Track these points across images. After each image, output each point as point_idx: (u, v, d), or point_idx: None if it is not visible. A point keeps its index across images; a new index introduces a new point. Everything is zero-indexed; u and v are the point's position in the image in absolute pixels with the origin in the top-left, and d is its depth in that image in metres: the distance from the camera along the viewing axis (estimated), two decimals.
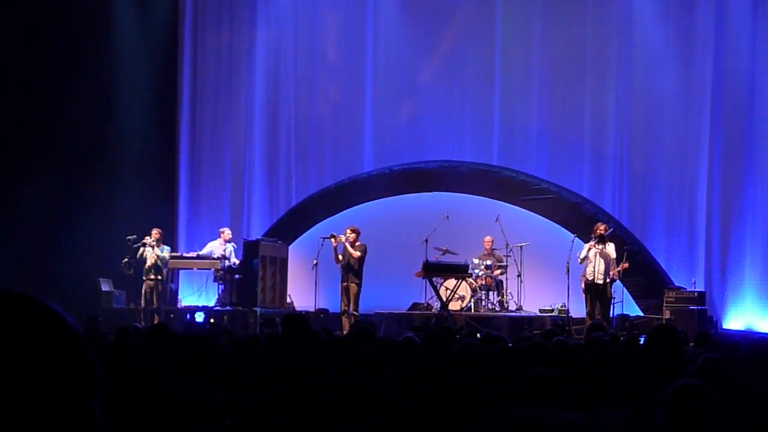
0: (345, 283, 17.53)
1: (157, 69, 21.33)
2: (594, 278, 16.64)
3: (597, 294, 16.68)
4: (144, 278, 18.11)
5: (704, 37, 19.70)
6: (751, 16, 19.29)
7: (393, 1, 21.40)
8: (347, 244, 17.54)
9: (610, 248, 16.85)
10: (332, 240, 17.66)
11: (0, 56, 19.17)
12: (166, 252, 18.38)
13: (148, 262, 18.06)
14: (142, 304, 18.04)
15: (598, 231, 16.88)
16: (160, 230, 18.44)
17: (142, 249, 18.06)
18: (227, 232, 19.31)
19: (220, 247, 19.04)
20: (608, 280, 16.71)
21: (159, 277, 18.12)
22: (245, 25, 21.83)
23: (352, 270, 17.53)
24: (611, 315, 17.07)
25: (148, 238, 18.11)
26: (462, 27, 21.05)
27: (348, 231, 17.76)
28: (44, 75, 19.79)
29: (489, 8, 20.86)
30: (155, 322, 16.57)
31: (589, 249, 16.75)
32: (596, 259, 16.67)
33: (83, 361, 1.59)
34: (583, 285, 17.00)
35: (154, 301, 18.05)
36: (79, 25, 19.93)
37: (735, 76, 19.38)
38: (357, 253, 17.48)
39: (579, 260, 16.89)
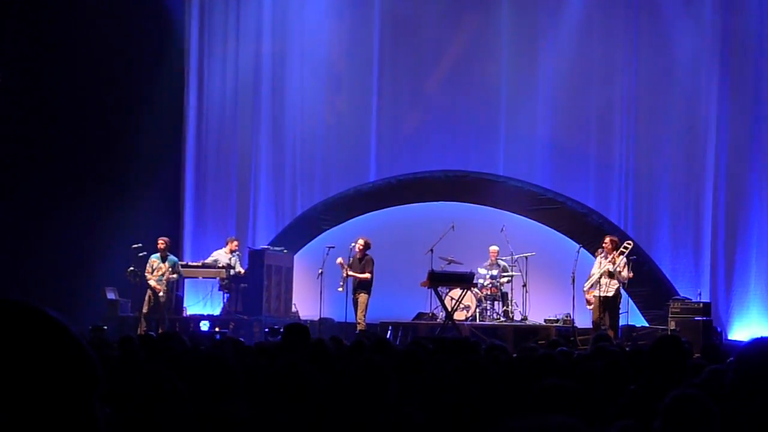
0: (354, 295, 17.64)
1: (163, 78, 21.37)
2: (603, 292, 16.55)
3: (606, 306, 16.59)
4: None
5: (711, 48, 19.70)
6: (758, 29, 19.29)
7: (398, 11, 21.41)
8: (348, 272, 17.60)
9: (618, 261, 16.71)
10: (342, 265, 17.76)
11: (8, 69, 19.26)
12: (178, 266, 18.37)
13: (157, 272, 18.06)
14: (145, 311, 18.02)
15: (604, 245, 16.83)
16: (165, 239, 18.33)
17: (153, 260, 18.08)
18: (234, 242, 19.30)
19: (226, 256, 19.06)
20: (616, 293, 16.59)
21: (163, 287, 18.13)
22: (251, 35, 21.86)
23: (361, 284, 17.67)
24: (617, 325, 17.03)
25: (157, 261, 18.11)
26: (468, 37, 21.06)
27: (360, 241, 17.81)
28: (55, 85, 19.87)
29: (495, 18, 20.87)
30: (160, 331, 16.57)
31: (599, 265, 16.69)
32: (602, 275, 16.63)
33: (84, 365, 1.61)
34: (590, 297, 16.94)
35: (159, 310, 18.05)
36: (89, 33, 19.97)
37: (741, 88, 19.38)
38: (367, 275, 17.63)
39: (591, 282, 16.81)
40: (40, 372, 1.56)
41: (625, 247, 16.91)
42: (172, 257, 18.34)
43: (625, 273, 16.64)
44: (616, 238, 17.09)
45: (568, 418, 1.51)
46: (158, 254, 18.10)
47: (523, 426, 1.53)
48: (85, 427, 1.59)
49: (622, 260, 16.70)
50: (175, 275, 18.29)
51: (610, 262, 16.57)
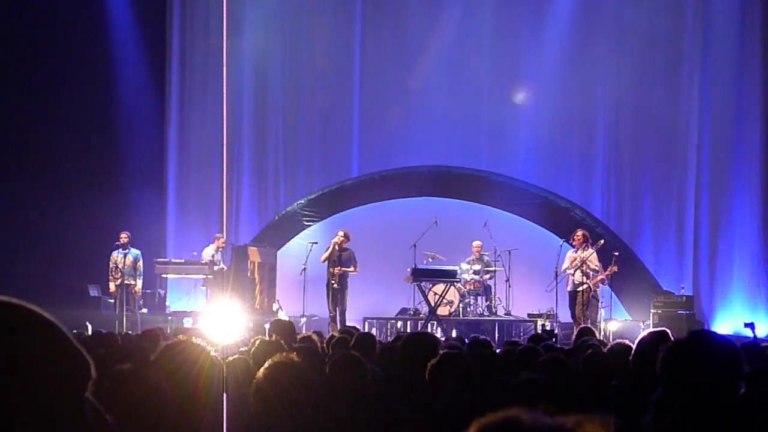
0: (336, 286, 17.52)
1: (145, 75, 21.30)
2: (572, 288, 16.64)
3: (574, 299, 16.68)
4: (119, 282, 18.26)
5: (692, 43, 19.77)
6: (738, 24, 19.34)
7: (380, 6, 21.40)
8: (344, 269, 17.54)
9: (585, 255, 16.71)
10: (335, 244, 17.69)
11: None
12: (140, 260, 18.44)
13: (119, 266, 18.22)
14: (117, 310, 18.15)
15: (575, 238, 16.88)
16: (127, 233, 18.41)
17: (115, 256, 18.21)
18: (221, 240, 19.28)
19: (212, 252, 19.05)
20: (584, 287, 16.57)
21: (131, 282, 18.24)
22: (233, 31, 21.78)
23: (347, 277, 17.64)
24: (598, 319, 17.08)
25: (120, 257, 18.22)
26: (450, 32, 21.05)
27: (341, 233, 17.74)
28: (38, 80, 19.79)
29: (477, 13, 20.89)
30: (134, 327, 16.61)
31: (572, 261, 16.74)
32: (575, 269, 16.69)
33: (76, 364, 1.62)
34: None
35: (131, 306, 18.16)
36: (70, 30, 19.91)
37: (722, 82, 19.44)
38: (358, 270, 17.62)
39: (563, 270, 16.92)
40: (32, 370, 1.55)
41: (599, 244, 16.98)
42: (134, 251, 18.39)
43: (593, 264, 16.66)
44: (586, 232, 17.10)
45: (526, 412, 1.51)
46: (119, 250, 18.19)
47: (486, 423, 1.53)
48: (78, 424, 1.59)
49: (590, 253, 16.68)
50: (139, 278, 18.43)
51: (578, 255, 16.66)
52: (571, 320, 17.13)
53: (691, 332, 3.55)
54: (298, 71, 21.69)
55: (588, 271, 16.59)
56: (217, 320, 17.04)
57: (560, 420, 1.48)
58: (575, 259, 16.67)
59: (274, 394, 4.02)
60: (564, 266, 16.85)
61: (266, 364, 4.21)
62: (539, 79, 20.54)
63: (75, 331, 10.63)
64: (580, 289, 16.54)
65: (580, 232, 16.99)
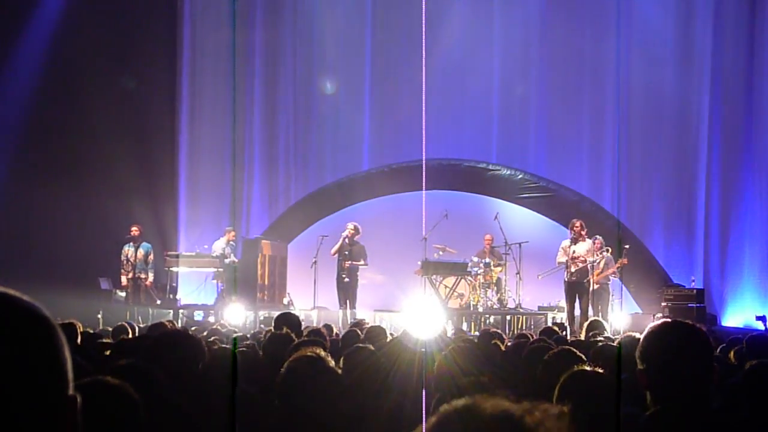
0: (346, 280, 17.59)
1: (156, 69, 21.32)
2: (568, 278, 16.53)
3: (578, 292, 16.57)
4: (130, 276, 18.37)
5: (702, 33, 19.72)
6: (749, 13, 19.29)
7: None
8: (354, 263, 17.62)
9: (581, 247, 16.60)
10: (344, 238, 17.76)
11: (6, 59, 19.26)
12: (151, 253, 18.54)
13: (131, 260, 18.32)
14: (128, 303, 18.24)
15: (574, 229, 16.74)
16: (139, 226, 18.53)
17: (126, 250, 18.31)
18: (232, 233, 19.31)
19: (222, 246, 19.08)
20: (585, 279, 16.48)
21: (142, 275, 18.35)
22: (244, 24, 21.81)
23: (357, 270, 17.67)
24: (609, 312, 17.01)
25: (130, 251, 18.31)
26: (460, 24, 21.04)
27: (350, 225, 17.80)
28: (47, 75, 19.83)
29: (487, 5, 20.87)
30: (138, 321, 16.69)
31: (565, 252, 16.62)
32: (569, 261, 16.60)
33: (48, 357, 1.50)
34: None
35: (141, 299, 18.23)
36: (81, 26, 19.96)
37: (733, 73, 19.38)
38: (367, 263, 17.69)
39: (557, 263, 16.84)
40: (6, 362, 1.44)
41: (607, 249, 16.92)
42: (145, 244, 18.48)
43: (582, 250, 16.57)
44: (583, 222, 16.93)
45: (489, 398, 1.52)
46: (131, 243, 18.28)
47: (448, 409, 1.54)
48: (59, 421, 1.50)
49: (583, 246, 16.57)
50: (150, 271, 18.52)
51: (589, 252, 16.54)
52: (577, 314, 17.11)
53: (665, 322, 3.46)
54: (309, 64, 21.70)
55: (579, 263, 16.45)
56: (228, 313, 17.12)
57: (514, 407, 1.48)
58: (572, 252, 16.56)
59: (298, 386, 4.05)
60: (558, 258, 16.75)
61: (292, 357, 4.25)
62: (549, 71, 20.51)
63: (89, 330, 10.67)
64: (576, 279, 16.44)
65: (577, 222, 16.87)
